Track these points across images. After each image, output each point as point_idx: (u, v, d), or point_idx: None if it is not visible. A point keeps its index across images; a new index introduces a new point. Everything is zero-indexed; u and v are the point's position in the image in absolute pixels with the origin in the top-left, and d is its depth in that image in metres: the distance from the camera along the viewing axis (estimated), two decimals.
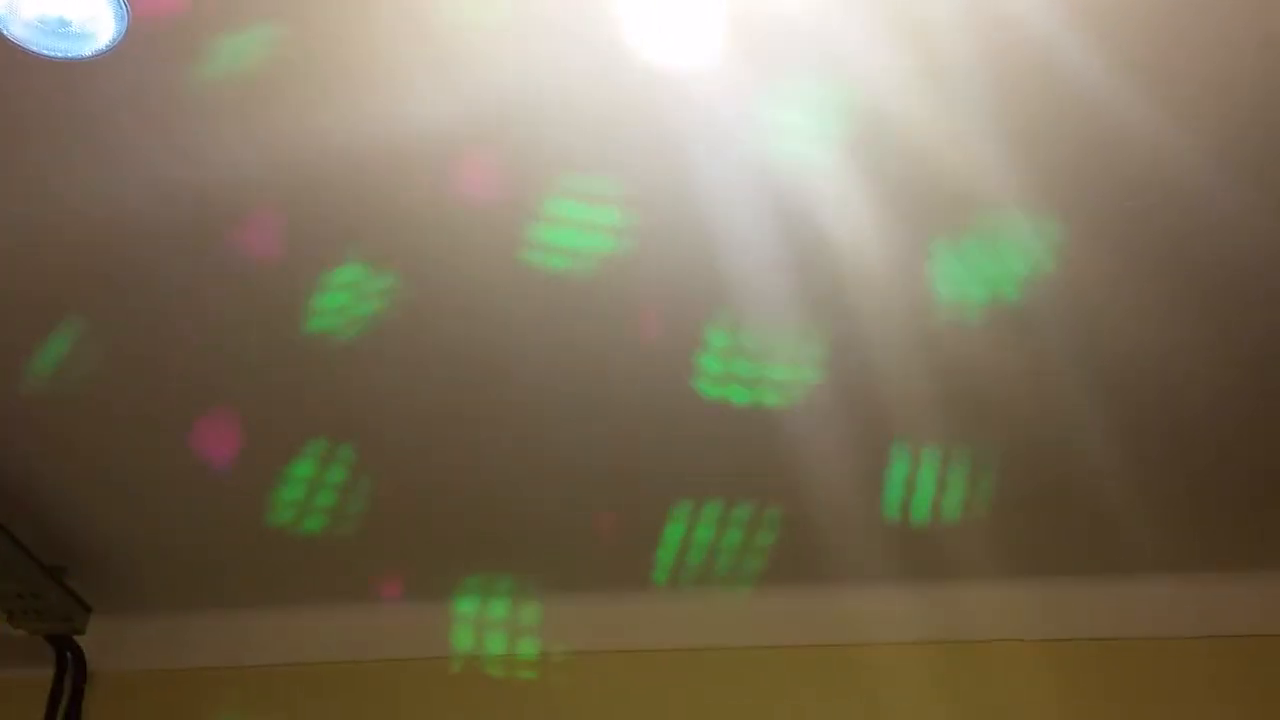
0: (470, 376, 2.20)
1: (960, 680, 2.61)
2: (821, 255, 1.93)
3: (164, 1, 1.59)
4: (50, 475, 2.49)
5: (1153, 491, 2.37)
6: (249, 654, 2.90)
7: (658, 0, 1.57)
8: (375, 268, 1.99)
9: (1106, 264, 1.93)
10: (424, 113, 1.73)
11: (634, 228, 1.90)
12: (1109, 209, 1.84)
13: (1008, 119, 1.71)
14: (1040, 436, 2.26)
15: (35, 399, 2.28)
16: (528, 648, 2.79)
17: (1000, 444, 2.28)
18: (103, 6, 1.56)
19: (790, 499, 2.42)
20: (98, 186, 1.86)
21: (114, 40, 1.59)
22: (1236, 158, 1.76)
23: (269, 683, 2.87)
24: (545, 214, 1.88)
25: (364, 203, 1.88)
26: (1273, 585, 2.59)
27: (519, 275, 1.99)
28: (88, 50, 1.61)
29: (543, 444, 2.36)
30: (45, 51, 1.60)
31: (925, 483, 2.37)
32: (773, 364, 2.14)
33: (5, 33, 1.58)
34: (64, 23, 1.58)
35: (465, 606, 2.82)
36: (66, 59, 1.63)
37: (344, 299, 2.05)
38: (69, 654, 2.90)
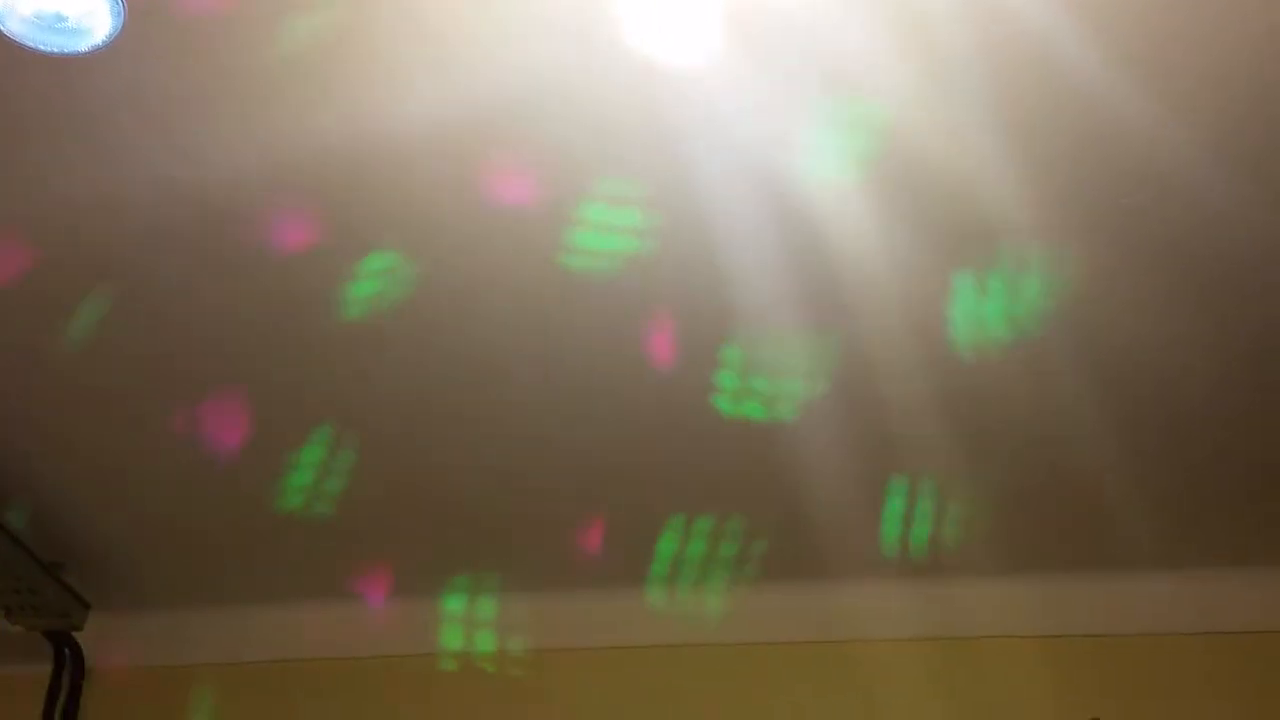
0: (467, 376, 2.20)
1: (957, 676, 2.61)
2: (821, 249, 1.93)
3: None
4: (49, 472, 2.49)
5: (1149, 487, 2.37)
6: (246, 650, 2.90)
7: None
8: (374, 265, 1.99)
9: (1103, 258, 1.93)
10: (422, 111, 1.73)
11: (635, 225, 1.90)
12: (1106, 203, 1.84)
13: (1006, 113, 1.71)
14: (1037, 431, 2.26)
15: (33, 396, 2.28)
16: (520, 645, 2.79)
17: (997, 439, 2.28)
18: (99, 2, 1.56)
19: (788, 496, 2.42)
20: (95, 183, 1.86)
21: (110, 36, 1.59)
22: (1234, 152, 1.76)
23: (266, 679, 2.87)
24: (543, 212, 1.88)
25: (363, 201, 1.88)
26: (1269, 581, 2.59)
27: (517, 272, 1.99)
28: (84, 46, 1.61)
29: (540, 443, 2.36)
30: (41, 47, 1.60)
31: (924, 485, 2.38)
32: (772, 354, 2.14)
33: (1, 28, 1.58)
34: (60, 18, 1.58)
35: (459, 604, 2.83)
36: (62, 54, 1.63)
37: (343, 294, 2.06)
38: (67, 650, 2.90)
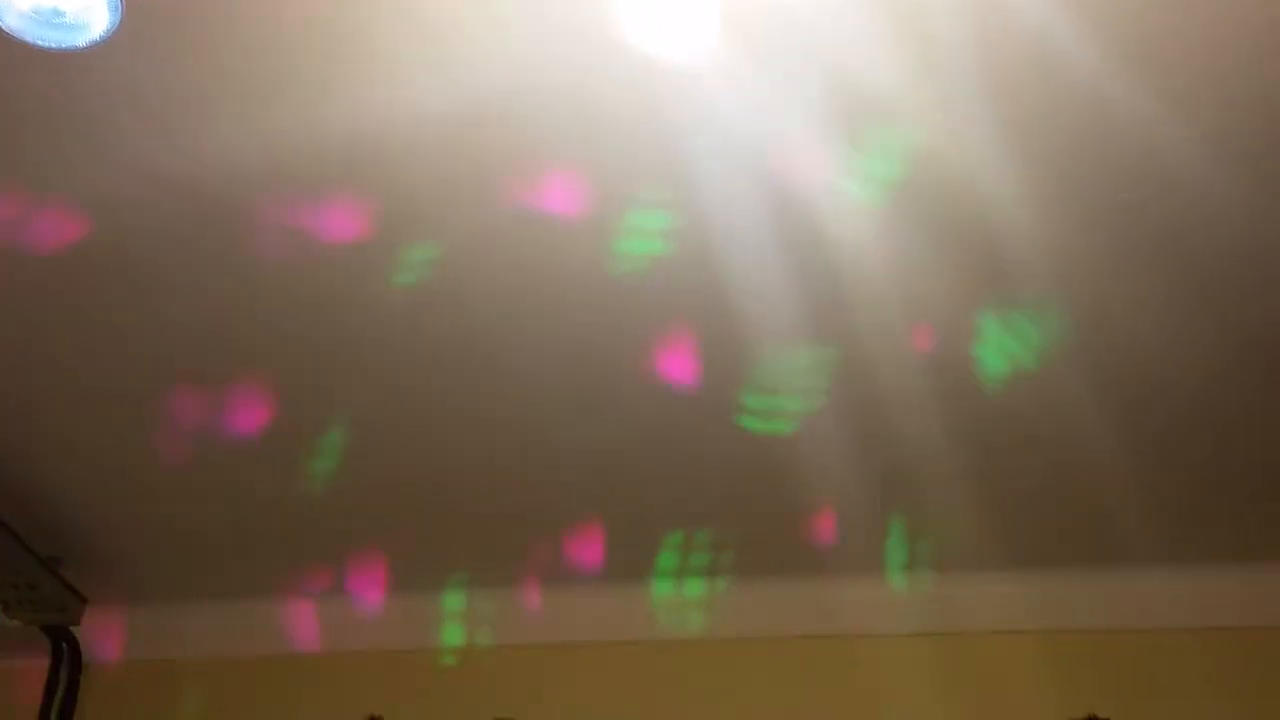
0: (465, 369, 2.20)
1: (956, 672, 2.61)
2: (819, 245, 1.93)
3: None
4: (46, 468, 2.49)
5: (1148, 483, 2.37)
6: (242, 645, 2.90)
7: None
8: (375, 262, 1.99)
9: (1102, 255, 1.93)
10: (421, 109, 1.73)
11: (636, 223, 1.90)
12: (1105, 200, 1.84)
13: (1004, 110, 1.71)
14: (1035, 429, 2.26)
15: (31, 393, 2.28)
16: (517, 640, 2.80)
17: (997, 435, 2.28)
18: None
19: (787, 493, 2.42)
20: (93, 180, 1.85)
21: (108, 31, 1.59)
22: (1233, 148, 1.75)
23: (262, 673, 2.87)
24: (543, 209, 1.88)
25: (362, 197, 1.88)
26: (1267, 578, 2.59)
27: (516, 267, 1.99)
28: (82, 41, 1.60)
29: (541, 440, 2.36)
30: (39, 42, 1.60)
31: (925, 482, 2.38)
32: (772, 349, 2.14)
33: None
34: (58, 13, 1.57)
35: (455, 600, 2.83)
36: (60, 50, 1.62)
37: (343, 291, 2.05)
38: (64, 644, 2.90)
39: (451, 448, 2.39)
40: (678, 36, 1.62)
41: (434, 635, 2.83)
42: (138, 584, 2.87)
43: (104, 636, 2.93)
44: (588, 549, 2.65)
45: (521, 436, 2.35)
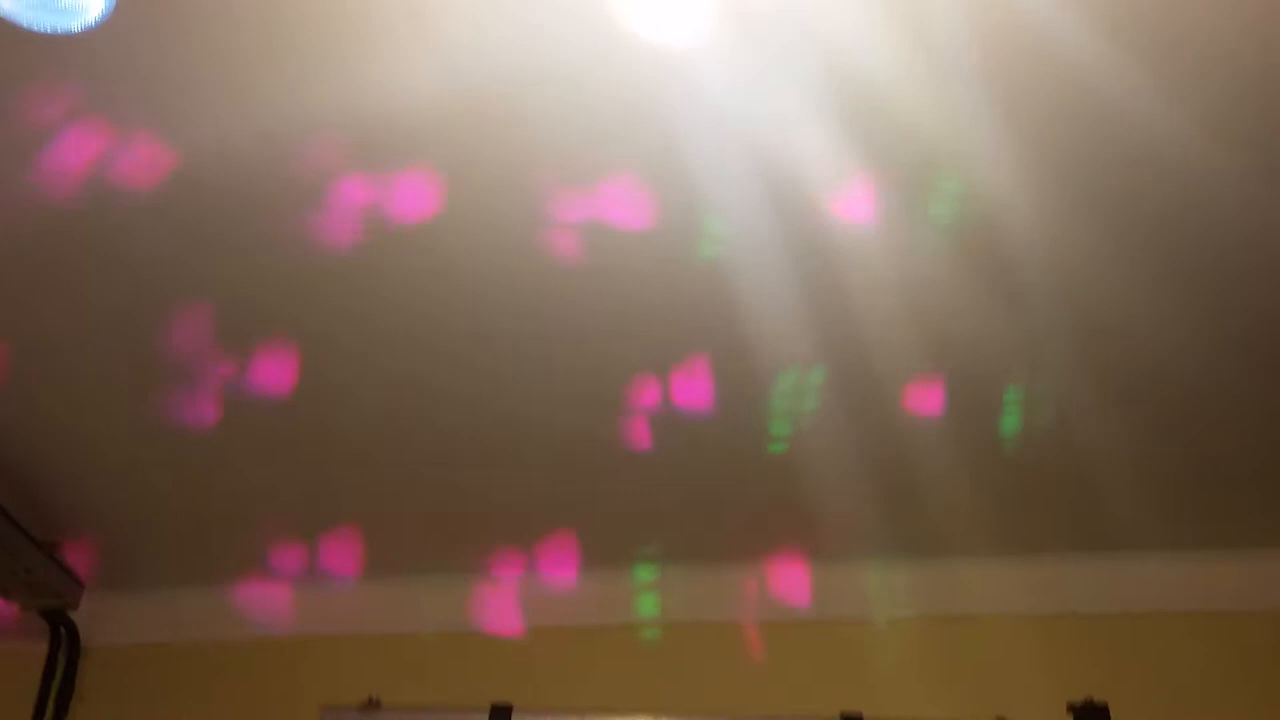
0: (453, 353, 2.20)
1: (954, 655, 2.62)
2: (814, 229, 1.92)
3: None
4: (43, 451, 2.49)
5: (1145, 469, 2.37)
6: (241, 628, 2.90)
7: None
8: (370, 245, 1.98)
9: (1099, 241, 1.93)
10: (415, 89, 1.72)
11: (629, 206, 1.90)
12: (1101, 184, 1.84)
13: (1001, 96, 1.71)
14: (1032, 414, 2.26)
15: (29, 377, 2.28)
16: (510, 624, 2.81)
17: (992, 421, 2.28)
18: None
19: (783, 477, 2.42)
20: (85, 163, 1.85)
21: (103, 15, 1.58)
22: (1231, 134, 1.75)
23: (260, 656, 2.88)
24: (536, 193, 1.88)
25: (358, 180, 1.87)
26: (1264, 562, 2.60)
27: (512, 260, 1.99)
28: (76, 25, 1.60)
29: (524, 424, 2.36)
30: (34, 26, 1.59)
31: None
32: (768, 335, 2.14)
33: None
34: None
35: (448, 583, 2.83)
36: (55, 33, 1.61)
37: (340, 274, 2.05)
38: (62, 629, 2.90)
39: (442, 433, 2.39)
40: (673, 20, 1.62)
41: (424, 618, 2.84)
42: (136, 568, 2.88)
43: (102, 621, 2.93)
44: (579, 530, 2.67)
45: (505, 419, 2.35)
